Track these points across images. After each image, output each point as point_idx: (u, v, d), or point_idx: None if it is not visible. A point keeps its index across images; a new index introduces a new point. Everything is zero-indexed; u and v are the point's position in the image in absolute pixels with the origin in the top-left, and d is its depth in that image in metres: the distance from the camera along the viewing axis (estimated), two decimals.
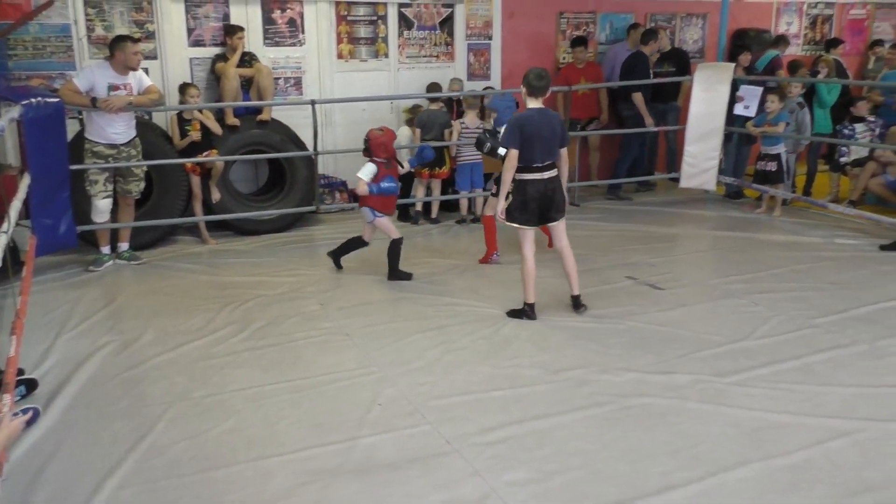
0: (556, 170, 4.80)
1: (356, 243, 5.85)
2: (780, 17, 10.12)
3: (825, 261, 6.01)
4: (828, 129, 8.08)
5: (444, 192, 7.77)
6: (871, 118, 7.85)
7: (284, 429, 3.48)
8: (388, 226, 5.71)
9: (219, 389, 3.88)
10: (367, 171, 5.52)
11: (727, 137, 7.98)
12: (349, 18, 7.93)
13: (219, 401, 3.76)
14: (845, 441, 3.32)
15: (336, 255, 5.94)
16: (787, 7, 10.18)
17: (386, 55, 8.16)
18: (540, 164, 4.72)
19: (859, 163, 7.71)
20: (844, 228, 7.02)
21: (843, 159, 7.92)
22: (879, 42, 10.08)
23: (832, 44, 9.37)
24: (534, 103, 4.78)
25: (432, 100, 7.50)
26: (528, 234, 4.84)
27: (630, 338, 4.52)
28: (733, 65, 7.92)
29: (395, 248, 5.72)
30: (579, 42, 8.53)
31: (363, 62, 8.09)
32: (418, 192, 7.44)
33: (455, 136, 7.32)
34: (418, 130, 7.33)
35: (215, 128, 6.61)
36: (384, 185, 5.56)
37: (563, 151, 4.83)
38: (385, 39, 8.12)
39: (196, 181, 6.65)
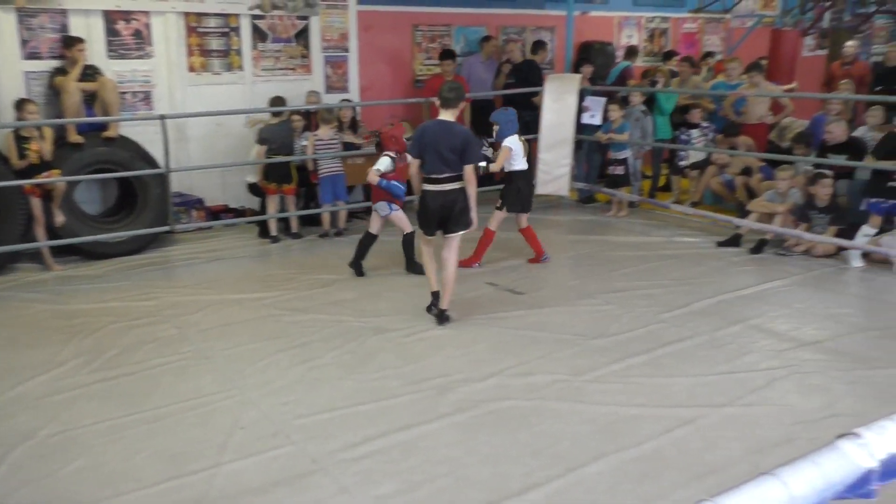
0: (459, 183, 4.81)
1: (368, 241, 6.02)
2: (621, 31, 10.74)
3: (669, 259, 6.42)
4: (668, 134, 8.63)
5: (306, 206, 7.70)
6: (705, 124, 8.46)
7: (141, 462, 3.33)
8: (403, 219, 5.99)
9: (68, 426, 3.66)
10: (383, 163, 5.77)
11: (578, 145, 8.38)
12: (200, 30, 7.71)
13: (68, 438, 3.54)
14: (689, 428, 3.56)
15: (357, 262, 6.03)
16: (628, 21, 10.82)
17: (240, 68, 7.99)
18: (437, 176, 4.78)
19: (697, 165, 8.29)
20: (686, 227, 7.53)
21: (681, 163, 8.48)
22: (710, 54, 10.89)
23: (669, 55, 10.03)
24: (443, 115, 4.86)
25: (275, 114, 7.38)
26: (428, 243, 5.04)
27: (492, 342, 4.65)
28: (580, 76, 8.33)
29: (408, 241, 6.04)
30: (448, 55, 8.68)
31: (216, 75, 7.88)
32: (270, 208, 7.29)
33: (310, 149, 7.26)
34: (263, 147, 7.15)
35: (46, 152, 6.23)
36: (393, 184, 5.82)
37: (468, 169, 4.78)
38: (239, 52, 7.95)
39: (37, 203, 6.24)
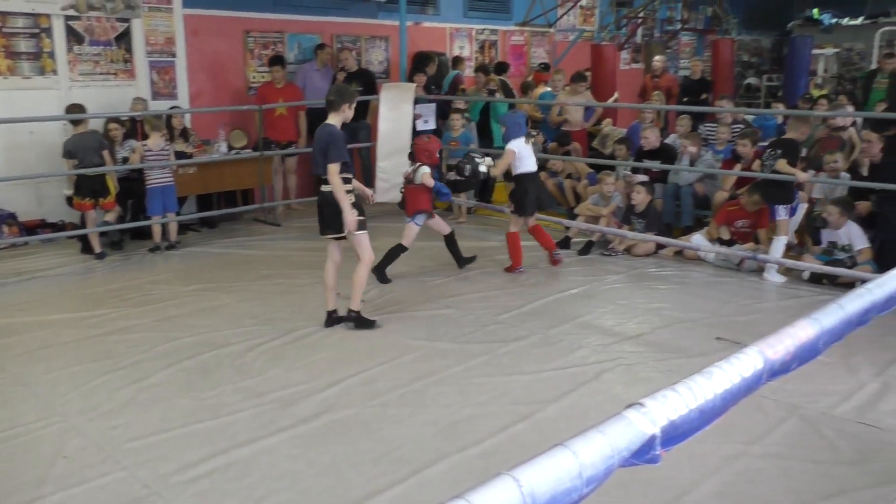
0: (329, 185, 4.80)
1: (398, 251, 6.12)
2: (453, 42, 11.03)
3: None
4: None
5: (135, 218, 7.30)
6: (534, 132, 8.85)
7: None
8: (441, 223, 6.32)
9: None
10: (426, 171, 5.97)
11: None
12: (5, 30, 7.12)
13: None
14: (527, 423, 3.70)
15: (381, 269, 6.03)
16: (459, 33, 11.12)
17: (54, 72, 7.45)
18: (320, 177, 4.88)
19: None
20: (521, 231, 7.82)
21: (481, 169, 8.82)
22: (546, 65, 11.44)
23: (501, 66, 10.40)
24: (329, 118, 4.84)
25: (76, 122, 6.76)
26: (330, 246, 5.07)
27: (333, 352, 4.62)
28: (415, 84, 8.47)
29: (452, 240, 6.33)
30: (277, 61, 8.50)
31: (26, 79, 7.30)
32: (89, 223, 6.77)
33: (137, 158, 6.89)
34: (73, 161, 6.62)
35: None
36: (441, 184, 6.18)
37: (330, 168, 4.71)
38: (52, 54, 7.41)
39: None
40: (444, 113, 8.69)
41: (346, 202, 4.76)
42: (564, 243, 7.16)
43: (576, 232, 7.22)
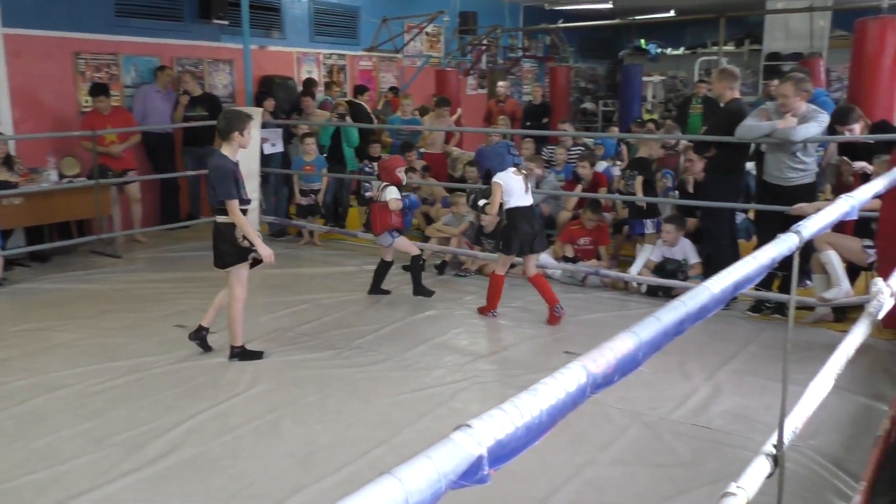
0: (221, 217, 4.60)
1: (384, 268, 6.32)
2: (300, 66, 10.94)
3: (358, 288, 6.62)
4: (354, 166, 8.96)
5: None
6: (386, 157, 8.94)
7: None
8: (408, 244, 6.28)
9: None
10: (394, 191, 5.95)
11: (265, 178, 8.34)
12: None
13: None
14: (385, 447, 3.69)
15: (375, 288, 6.34)
16: (306, 57, 11.06)
17: None
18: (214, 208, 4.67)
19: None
20: (376, 255, 7.81)
21: (367, 194, 8.84)
22: (394, 89, 11.57)
23: (360, 90, 10.43)
24: (223, 148, 4.59)
25: None
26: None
27: (182, 388, 4.41)
28: (261, 109, 8.32)
29: (416, 263, 6.28)
30: (98, 91, 7.98)
31: None
32: None
33: None
34: None
35: None
36: (411, 197, 6.20)
37: (229, 206, 4.49)
38: None
39: None
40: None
41: (253, 237, 4.63)
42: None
43: (430, 254, 7.32)
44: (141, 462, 3.51)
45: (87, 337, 5.24)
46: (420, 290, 6.28)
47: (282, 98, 9.41)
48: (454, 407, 4.19)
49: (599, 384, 0.80)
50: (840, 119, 5.64)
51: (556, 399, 0.74)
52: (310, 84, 9.83)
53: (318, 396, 4.30)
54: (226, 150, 4.59)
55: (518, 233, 5.54)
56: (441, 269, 7.15)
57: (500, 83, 11.18)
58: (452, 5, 11.74)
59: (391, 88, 11.22)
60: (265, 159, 8.24)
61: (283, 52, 10.68)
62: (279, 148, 8.34)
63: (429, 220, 8.06)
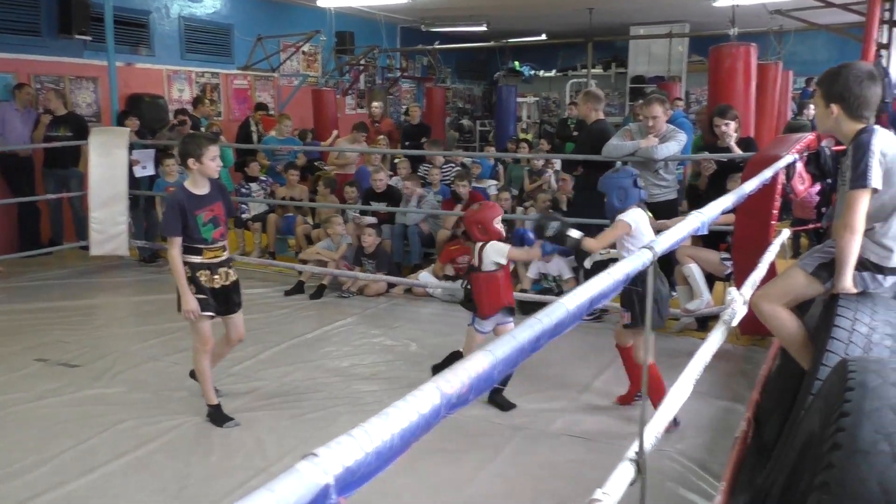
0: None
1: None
2: (171, 84, 10.59)
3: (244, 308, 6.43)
4: (230, 187, 8.73)
5: None
6: (263, 178, 8.77)
7: None
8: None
9: None
10: (502, 248, 4.29)
11: (134, 201, 8.00)
12: None
13: None
14: (264, 476, 3.58)
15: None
16: (177, 75, 10.72)
17: None
18: None
19: (258, 217, 8.52)
20: (254, 279, 7.65)
21: (244, 216, 8.65)
22: (262, 106, 11.38)
23: (260, 107, 10.18)
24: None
25: None
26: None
27: (45, 426, 4.14)
28: (128, 129, 7.99)
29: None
30: None
31: None
32: None
33: None
34: None
35: None
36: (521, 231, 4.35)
37: (168, 242, 4.01)
38: None
39: None
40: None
41: (181, 282, 3.96)
42: (299, 288, 7.11)
43: (308, 276, 7.22)
44: None
45: None
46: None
47: (150, 118, 9.07)
48: (334, 432, 4.10)
49: (454, 404, 0.81)
50: (720, 113, 5.96)
51: (409, 422, 0.75)
52: (197, 103, 9.57)
53: (193, 426, 4.14)
54: (188, 180, 4.06)
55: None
56: (319, 292, 7.06)
57: (375, 103, 11.23)
58: (329, 25, 11.71)
59: (258, 106, 10.90)
60: (137, 182, 7.91)
61: (151, 69, 10.30)
62: (149, 172, 8.01)
63: (310, 241, 7.96)
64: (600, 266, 4.71)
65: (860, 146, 2.68)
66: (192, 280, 4.01)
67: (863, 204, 2.62)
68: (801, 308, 3.09)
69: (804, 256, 2.96)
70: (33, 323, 6.06)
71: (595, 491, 1.62)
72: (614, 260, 3.27)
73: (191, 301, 3.97)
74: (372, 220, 7.69)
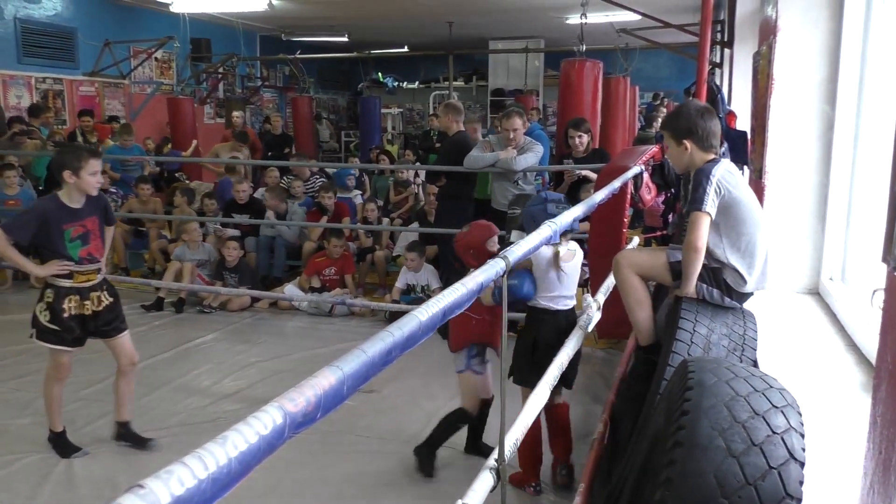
0: None
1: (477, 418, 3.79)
2: (8, 90, 9.85)
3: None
4: None
5: None
6: (113, 189, 8.31)
7: None
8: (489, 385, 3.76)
9: None
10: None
11: None
12: None
13: None
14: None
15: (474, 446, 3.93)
16: (14, 81, 9.97)
17: None
18: None
19: None
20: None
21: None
22: (115, 118, 10.80)
23: (85, 113, 9.56)
24: None
25: None
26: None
27: None
28: None
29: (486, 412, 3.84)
30: None
31: None
32: None
33: None
34: None
35: None
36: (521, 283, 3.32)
37: None
38: None
39: None
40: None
41: (15, 260, 3.73)
42: (158, 305, 6.78)
43: (167, 291, 6.90)
44: None
45: None
46: (428, 461, 3.76)
47: None
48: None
49: (300, 423, 0.79)
50: (574, 125, 6.19)
51: (248, 445, 0.72)
52: (35, 111, 8.93)
53: (37, 458, 3.84)
54: (62, 191, 3.74)
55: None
56: (179, 307, 6.77)
57: (236, 113, 10.93)
58: (183, 31, 11.27)
59: (82, 112, 10.05)
60: None
61: None
62: None
63: (167, 256, 7.61)
64: None
65: (702, 172, 2.86)
66: (51, 308, 3.72)
67: (702, 225, 2.79)
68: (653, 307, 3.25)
69: (674, 247, 3.11)
70: None
71: (456, 501, 1.63)
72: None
73: (38, 269, 3.78)
74: (234, 232, 7.46)
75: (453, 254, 6.06)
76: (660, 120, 10.32)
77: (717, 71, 9.39)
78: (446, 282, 6.42)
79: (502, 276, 1.65)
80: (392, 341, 1.04)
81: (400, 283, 6.66)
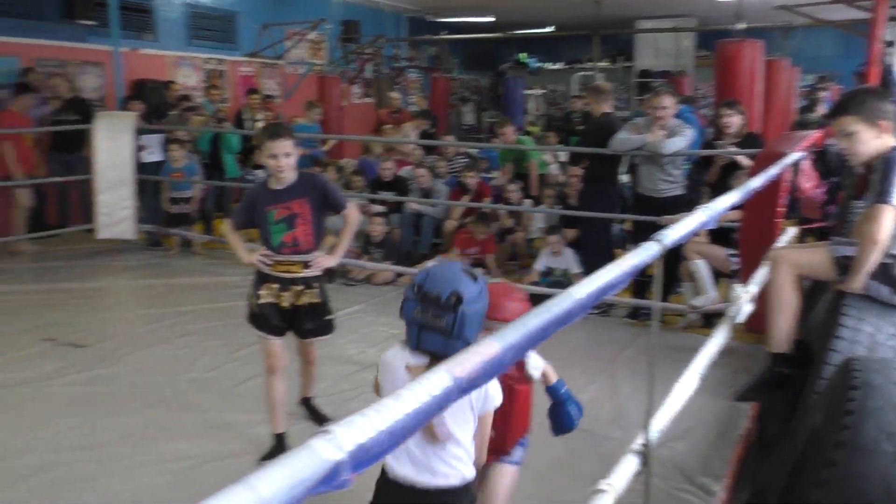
0: None
1: None
2: (177, 70, 10.58)
3: (238, 298, 6.44)
4: (236, 173, 8.72)
5: None
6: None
7: None
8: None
9: None
10: (538, 363, 2.59)
11: (141, 186, 8.01)
12: None
13: None
14: (249, 458, 3.61)
15: None
16: (182, 61, 10.71)
17: None
18: None
19: None
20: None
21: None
22: (270, 97, 11.35)
23: (252, 92, 10.15)
24: None
25: None
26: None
27: (50, 404, 4.16)
28: (134, 114, 8.00)
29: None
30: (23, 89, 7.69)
31: None
32: None
33: None
34: None
35: None
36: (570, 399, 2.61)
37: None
38: None
39: None
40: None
41: (234, 244, 3.67)
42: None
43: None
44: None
45: None
46: None
47: (156, 103, 9.06)
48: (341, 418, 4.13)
49: (465, 388, 0.82)
50: (727, 105, 5.94)
51: (420, 403, 0.76)
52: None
53: (196, 413, 4.15)
54: None
55: None
56: (328, 278, 7.08)
57: (394, 94, 11.23)
58: (335, 13, 11.69)
59: (251, 91, 10.59)
60: (143, 167, 7.92)
61: (157, 55, 10.29)
62: (157, 157, 8.02)
63: None
64: None
65: (891, 161, 2.66)
66: (253, 292, 3.59)
67: (886, 219, 2.60)
68: (807, 304, 3.08)
69: (837, 241, 2.94)
70: (41, 303, 6.08)
71: (599, 482, 1.62)
72: None
73: (245, 256, 3.56)
74: (380, 208, 7.69)
75: (595, 237, 5.97)
76: (821, 104, 9.66)
77: (890, 50, 8.66)
78: (588, 266, 6.33)
79: (655, 258, 1.62)
80: (550, 316, 1.05)
81: (539, 266, 6.64)
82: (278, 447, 3.67)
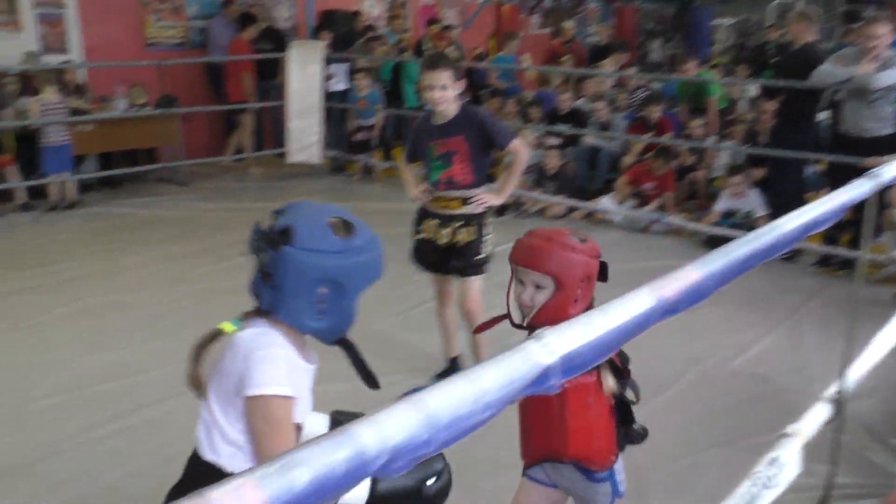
0: None
1: None
2: (362, 1, 10.84)
3: None
4: (415, 103, 8.89)
5: (27, 177, 6.97)
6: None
7: None
8: None
9: None
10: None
11: (328, 113, 8.39)
12: None
13: None
14: None
15: None
16: None
17: None
18: None
19: None
20: None
21: None
22: (449, 27, 11.37)
23: (432, 22, 10.27)
24: None
25: None
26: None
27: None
28: (324, 43, 8.32)
29: None
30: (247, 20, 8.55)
31: None
32: None
33: (35, 114, 6.56)
34: None
35: None
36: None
37: None
38: None
39: None
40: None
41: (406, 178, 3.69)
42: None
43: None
44: None
45: (156, 260, 5.43)
46: None
47: (343, 32, 9.36)
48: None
49: (666, 311, 0.81)
50: None
51: (624, 320, 0.76)
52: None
53: (372, 332, 4.39)
54: None
55: None
56: (501, 210, 7.14)
57: (568, 24, 10.89)
58: None
59: (431, 21, 10.61)
60: (330, 95, 8.28)
61: None
62: (343, 85, 8.37)
63: None
64: None
65: None
66: (414, 227, 3.59)
67: None
68: None
69: None
70: (237, 220, 6.61)
71: (786, 426, 1.56)
72: None
73: (408, 190, 3.57)
74: (556, 140, 7.61)
75: (785, 178, 5.57)
76: None
77: None
78: (775, 209, 5.95)
79: (868, 197, 1.50)
80: (753, 248, 1.01)
81: (720, 207, 6.33)
82: (451, 368, 3.72)
